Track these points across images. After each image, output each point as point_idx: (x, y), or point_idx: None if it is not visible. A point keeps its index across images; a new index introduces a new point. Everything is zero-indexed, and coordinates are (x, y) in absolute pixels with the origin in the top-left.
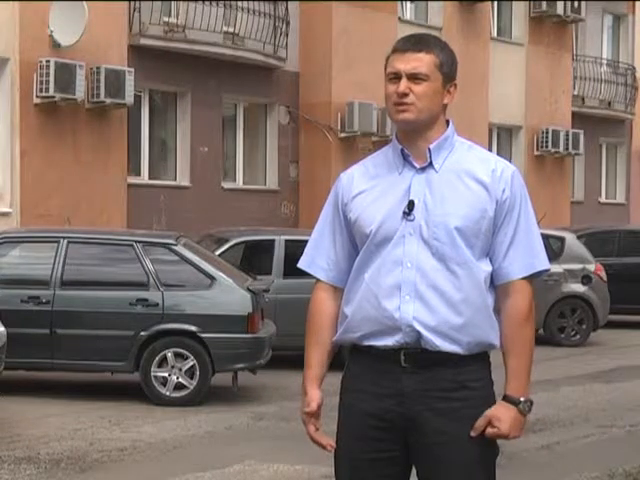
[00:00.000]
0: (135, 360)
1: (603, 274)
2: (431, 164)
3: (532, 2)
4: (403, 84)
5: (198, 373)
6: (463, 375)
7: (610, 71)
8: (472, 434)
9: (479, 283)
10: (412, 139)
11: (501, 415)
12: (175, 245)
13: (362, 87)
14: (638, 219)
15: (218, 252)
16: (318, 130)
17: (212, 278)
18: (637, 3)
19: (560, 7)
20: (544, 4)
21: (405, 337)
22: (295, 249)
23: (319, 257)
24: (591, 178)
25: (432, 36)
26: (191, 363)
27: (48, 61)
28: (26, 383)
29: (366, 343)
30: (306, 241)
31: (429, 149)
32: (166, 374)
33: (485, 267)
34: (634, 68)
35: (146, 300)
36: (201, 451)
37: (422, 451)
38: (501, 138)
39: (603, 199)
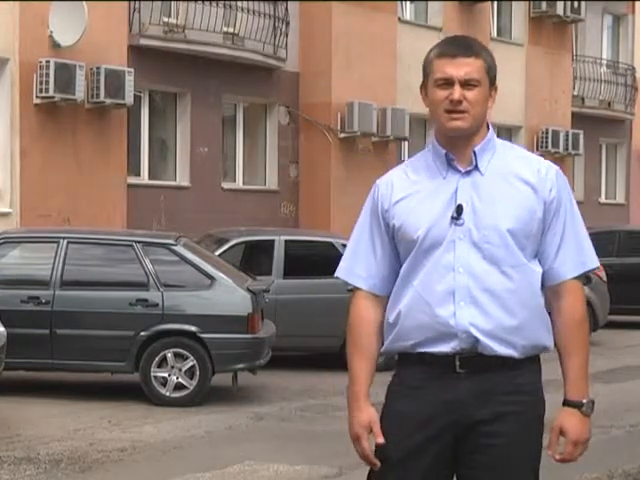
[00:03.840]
0: (135, 360)
1: (603, 274)
2: (476, 167)
3: (532, 2)
4: (457, 91)
5: (198, 373)
6: (517, 379)
7: (610, 71)
8: (548, 453)
9: (532, 285)
10: (456, 143)
11: (567, 424)
12: (175, 245)
13: (362, 87)
14: (638, 219)
15: (218, 252)
16: (318, 130)
17: (212, 278)
18: (637, 3)
19: (560, 7)
20: (544, 4)
21: (461, 343)
22: (295, 249)
23: (357, 266)
24: (591, 178)
25: (475, 39)
26: (191, 363)
27: (48, 61)
28: (26, 383)
29: (419, 350)
30: (306, 241)
31: (474, 152)
32: (166, 374)
33: (537, 268)
34: (634, 68)
35: (146, 300)
36: (201, 451)
37: (472, 456)
38: (501, 138)
39: (603, 199)
